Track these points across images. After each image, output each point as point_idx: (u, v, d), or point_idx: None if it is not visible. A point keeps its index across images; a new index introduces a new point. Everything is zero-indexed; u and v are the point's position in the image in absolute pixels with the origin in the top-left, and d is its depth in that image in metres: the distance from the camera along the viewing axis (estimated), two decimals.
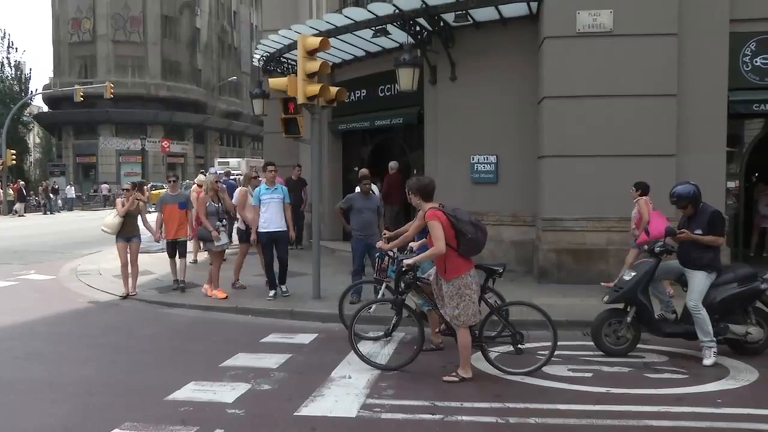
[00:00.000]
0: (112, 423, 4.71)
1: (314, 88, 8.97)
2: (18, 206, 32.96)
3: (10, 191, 34.21)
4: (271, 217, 9.22)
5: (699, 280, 6.27)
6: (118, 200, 10.02)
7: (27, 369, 6.28)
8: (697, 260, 6.32)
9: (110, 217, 9.77)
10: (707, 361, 6.12)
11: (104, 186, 43.20)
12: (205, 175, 15.21)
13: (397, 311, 6.29)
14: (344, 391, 5.40)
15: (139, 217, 9.92)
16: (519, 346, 5.97)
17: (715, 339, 6.21)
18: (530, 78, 10.96)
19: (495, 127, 11.49)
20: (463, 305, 5.67)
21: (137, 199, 9.80)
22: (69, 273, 12.48)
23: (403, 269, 6.00)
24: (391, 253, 7.17)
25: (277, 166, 9.81)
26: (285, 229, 9.36)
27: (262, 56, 16.09)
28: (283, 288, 9.56)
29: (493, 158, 11.53)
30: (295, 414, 4.89)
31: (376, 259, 7.59)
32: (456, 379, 5.71)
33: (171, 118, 50.25)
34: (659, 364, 6.26)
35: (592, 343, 6.59)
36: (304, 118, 9.76)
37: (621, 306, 6.57)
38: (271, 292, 9.39)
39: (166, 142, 47.93)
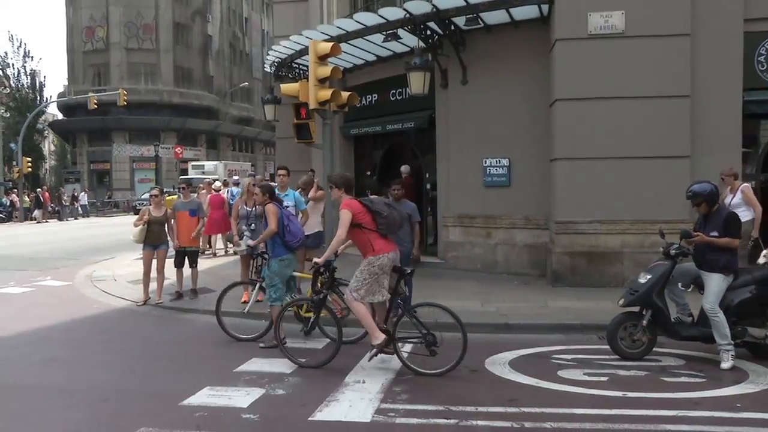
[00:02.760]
0: (127, 429, 4.73)
1: (326, 93, 9.01)
2: (36, 213, 33.37)
3: (26, 198, 34.57)
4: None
5: (715, 283, 6.21)
6: (143, 208, 9.93)
7: (43, 375, 6.32)
8: (713, 263, 6.25)
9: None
10: (725, 365, 6.05)
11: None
12: (220, 181, 15.33)
13: (316, 309, 6.59)
14: (358, 396, 5.39)
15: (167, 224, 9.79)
16: (433, 347, 6.00)
17: (732, 342, 6.14)
18: (542, 80, 10.92)
19: (507, 129, 11.46)
20: (368, 282, 6.00)
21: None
22: (84, 279, 12.58)
23: (320, 270, 6.38)
24: (265, 255, 7.50)
25: (289, 170, 9.61)
26: None
27: (273, 62, 16.17)
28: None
29: (505, 161, 11.50)
30: (309, 419, 4.89)
31: (252, 261, 8.15)
32: (374, 351, 5.98)
33: (184, 125, 50.57)
34: (676, 368, 6.20)
35: (607, 347, 6.53)
36: (316, 123, 9.80)
37: (636, 309, 6.51)
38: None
39: (179, 148, 48.23)
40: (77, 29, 51.44)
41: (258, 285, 7.85)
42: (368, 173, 15.59)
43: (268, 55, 16.99)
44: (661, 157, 9.92)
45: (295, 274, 7.48)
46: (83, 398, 5.55)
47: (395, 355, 6.23)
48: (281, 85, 10.84)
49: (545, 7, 10.59)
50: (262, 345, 7.19)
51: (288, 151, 16.77)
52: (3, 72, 49.68)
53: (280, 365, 6.36)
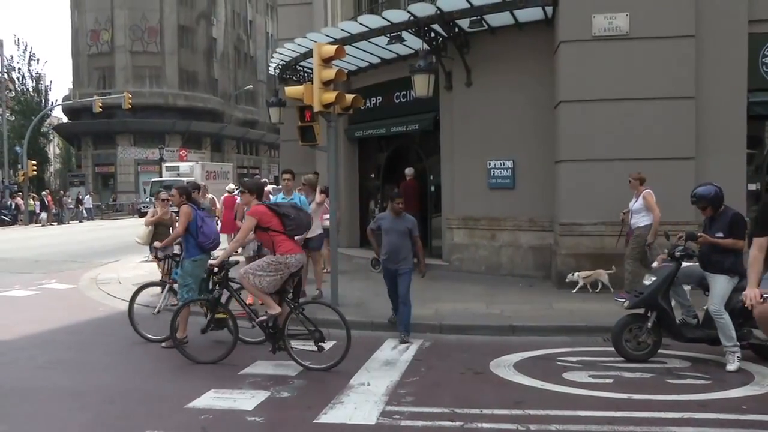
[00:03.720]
0: (133, 431, 4.75)
1: (330, 96, 8.99)
2: (42, 216, 33.54)
3: (31, 201, 34.71)
4: None
5: (720, 285, 6.19)
6: (151, 209, 9.93)
7: (48, 377, 6.34)
8: (717, 264, 6.23)
9: (143, 228, 9.74)
10: (731, 367, 6.03)
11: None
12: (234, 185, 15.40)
13: (210, 309, 6.81)
14: (363, 398, 5.39)
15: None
16: (321, 344, 6.32)
17: (738, 344, 6.12)
18: (546, 82, 10.92)
19: (511, 131, 11.46)
20: (271, 275, 6.28)
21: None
22: (89, 282, 12.61)
23: (213, 270, 6.65)
24: (177, 258, 7.76)
25: (294, 173, 9.62)
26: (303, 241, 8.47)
27: (278, 65, 16.21)
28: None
29: (509, 163, 11.50)
30: (314, 421, 4.89)
31: (161, 262, 8.43)
32: (265, 317, 6.34)
33: (189, 127, 50.66)
34: (682, 370, 6.18)
35: (612, 349, 6.53)
36: (321, 125, 9.79)
37: (641, 311, 6.50)
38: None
39: (183, 151, 48.34)
40: (82, 32, 51.60)
41: (168, 286, 7.99)
42: (372, 175, 15.61)
43: (272, 57, 17.03)
44: (666, 158, 9.90)
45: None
46: (89, 400, 5.56)
47: (377, 354, 6.50)
48: (286, 88, 10.84)
49: (549, 9, 10.59)
50: (163, 345, 7.37)
51: (292, 154, 16.80)
52: (8, 75, 49.86)
53: (285, 368, 6.37)
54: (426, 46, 11.40)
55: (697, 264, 6.49)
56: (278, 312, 6.32)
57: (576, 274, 9.84)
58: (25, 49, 52.84)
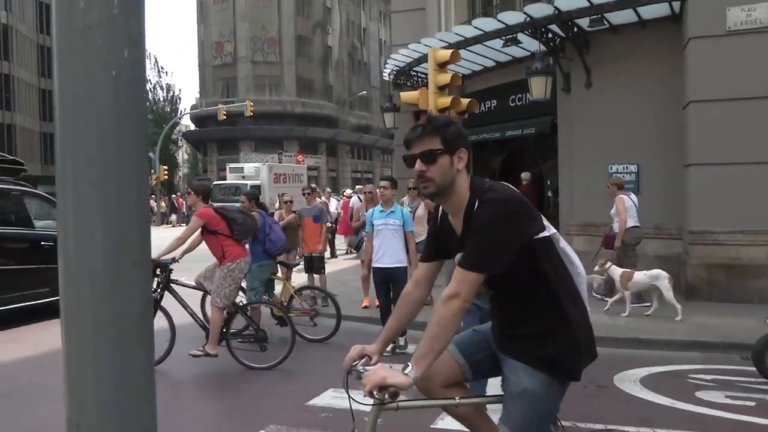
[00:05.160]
0: (257, 425, 4.93)
1: (445, 100, 9.00)
2: (173, 217, 36.06)
3: (163, 204, 37.29)
4: (385, 249, 7.11)
5: None
6: (276, 212, 10.10)
7: (186, 370, 6.71)
8: None
9: None
10: None
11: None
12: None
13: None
14: None
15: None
16: (263, 343, 6.65)
17: None
18: (672, 82, 10.32)
19: (634, 134, 10.92)
20: (232, 288, 6.57)
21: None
22: None
23: (155, 271, 6.62)
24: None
25: (395, 181, 7.61)
26: (404, 265, 7.15)
27: (392, 70, 16.38)
28: (401, 341, 7.08)
29: (633, 167, 10.97)
30: (431, 426, 4.87)
31: None
32: (201, 353, 6.43)
33: (305, 133, 52.46)
34: None
35: (752, 369, 6.03)
36: None
37: None
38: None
39: (300, 156, 50.05)
40: (207, 45, 54.80)
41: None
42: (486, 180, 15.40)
43: (386, 63, 17.25)
44: None
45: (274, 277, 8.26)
46: (218, 393, 5.85)
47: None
48: (401, 93, 10.97)
49: (677, 5, 10.02)
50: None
51: None
52: None
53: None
54: (543, 48, 11.12)
55: None
56: (215, 354, 6.48)
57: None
58: (156, 62, 56.97)
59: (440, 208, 2.65)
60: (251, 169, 30.79)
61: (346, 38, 62.22)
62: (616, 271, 8.70)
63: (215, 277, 6.69)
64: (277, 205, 14.95)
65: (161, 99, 56.42)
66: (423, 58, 13.07)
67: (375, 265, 7.17)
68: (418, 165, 2.44)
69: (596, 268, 8.63)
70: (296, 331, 7.46)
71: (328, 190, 18.02)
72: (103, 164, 1.14)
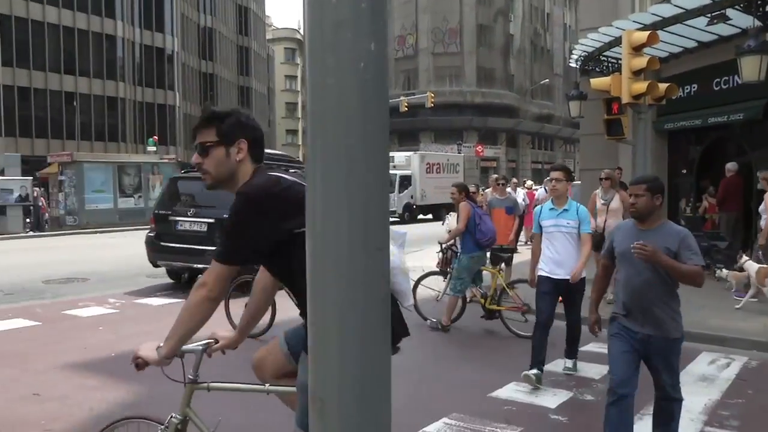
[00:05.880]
0: (440, 412, 5.03)
1: (641, 86, 8.47)
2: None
3: None
4: (556, 255, 5.92)
5: None
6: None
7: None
8: None
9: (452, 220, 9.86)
10: None
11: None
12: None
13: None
14: None
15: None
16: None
17: None
18: None
19: None
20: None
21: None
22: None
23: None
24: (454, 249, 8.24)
25: (568, 171, 6.27)
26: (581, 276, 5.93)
27: (579, 56, 15.70)
28: (569, 363, 6.21)
29: None
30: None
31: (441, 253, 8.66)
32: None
33: (485, 124, 52.23)
34: None
35: None
36: (628, 118, 9.25)
37: None
38: (532, 371, 5.71)
39: (480, 146, 49.98)
40: (391, 38, 56.44)
41: (449, 276, 8.24)
42: (683, 171, 14.27)
43: (573, 49, 16.57)
44: None
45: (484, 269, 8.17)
46: (404, 379, 6.05)
47: (691, 367, 5.97)
48: (591, 80, 10.46)
49: None
50: (428, 324, 8.00)
51: (592, 148, 16.13)
52: None
53: (589, 370, 6.15)
54: (758, 23, 10.00)
55: None
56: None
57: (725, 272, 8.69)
58: None
59: None
60: (402, 159, 29.93)
61: (528, 25, 60.77)
62: (753, 267, 8.06)
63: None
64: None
65: None
66: (614, 42, 12.39)
67: (542, 273, 5.95)
68: (195, 156, 2.50)
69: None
70: (508, 326, 7.50)
71: (514, 180, 17.68)
72: (351, 155, 1.23)
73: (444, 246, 8.65)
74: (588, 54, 14.94)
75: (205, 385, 2.68)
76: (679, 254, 3.66)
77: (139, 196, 26.84)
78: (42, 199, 25.28)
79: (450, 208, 11.81)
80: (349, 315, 1.26)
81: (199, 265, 9.63)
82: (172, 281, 11.36)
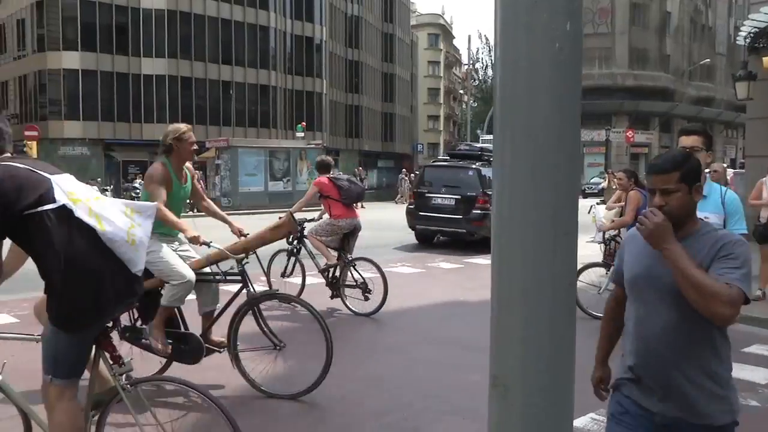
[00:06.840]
0: (586, 407, 4.84)
1: None
2: None
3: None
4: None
5: None
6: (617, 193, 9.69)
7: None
8: None
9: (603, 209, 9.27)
10: None
11: None
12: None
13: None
14: None
15: None
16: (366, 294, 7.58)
17: None
18: None
19: None
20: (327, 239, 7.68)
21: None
22: None
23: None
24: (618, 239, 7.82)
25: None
26: None
27: (749, 33, 14.37)
28: None
29: None
30: None
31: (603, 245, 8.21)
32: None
33: (636, 107, 49.42)
34: None
35: None
36: None
37: None
38: None
39: (630, 132, 47.33)
40: None
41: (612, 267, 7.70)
42: None
43: (742, 25, 15.20)
44: None
45: None
46: None
47: None
48: (764, 58, 9.55)
49: None
50: None
51: (761, 133, 14.78)
52: (473, 66, 56.29)
53: (752, 373, 5.68)
54: None
55: None
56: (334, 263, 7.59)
57: None
58: (486, 42, 59.06)
59: None
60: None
61: (688, 2, 56.41)
62: None
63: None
64: (604, 183, 14.31)
65: (490, 78, 58.61)
66: None
67: None
68: None
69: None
70: None
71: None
72: (541, 137, 1.20)
73: (607, 237, 8.33)
74: (760, 30, 13.66)
75: None
76: (711, 265, 2.15)
77: (288, 180, 28.22)
78: (201, 182, 27.35)
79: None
80: (536, 300, 1.24)
81: (449, 229, 13.62)
82: None
